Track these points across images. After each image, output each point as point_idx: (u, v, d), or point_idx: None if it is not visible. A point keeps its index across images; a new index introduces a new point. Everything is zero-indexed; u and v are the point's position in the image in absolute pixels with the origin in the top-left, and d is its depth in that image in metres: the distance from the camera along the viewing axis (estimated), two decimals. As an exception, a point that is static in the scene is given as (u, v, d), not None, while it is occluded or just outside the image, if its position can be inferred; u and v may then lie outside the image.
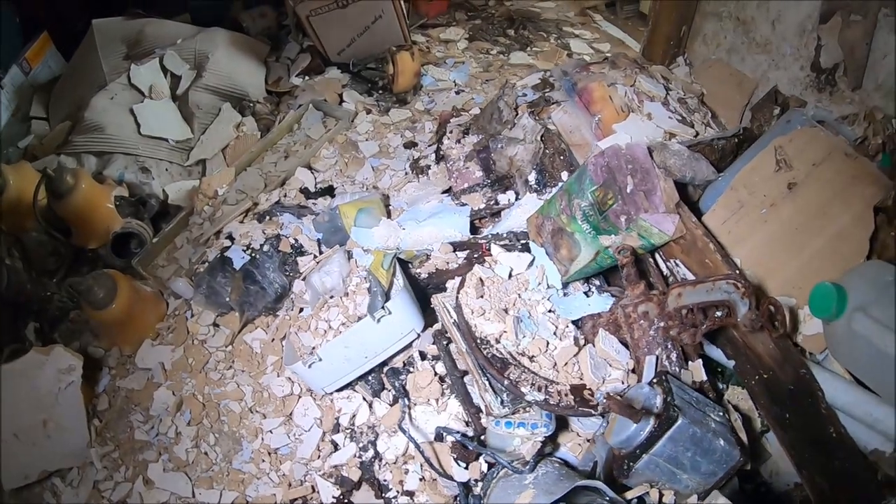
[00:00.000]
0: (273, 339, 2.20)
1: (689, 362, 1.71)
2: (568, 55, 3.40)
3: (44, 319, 2.49)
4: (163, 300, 2.44)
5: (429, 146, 2.70)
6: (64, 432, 2.13)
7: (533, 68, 3.21)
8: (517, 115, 2.50)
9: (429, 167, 2.58)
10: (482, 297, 1.89)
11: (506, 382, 1.65)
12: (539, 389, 1.64)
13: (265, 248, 2.31)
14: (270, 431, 2.01)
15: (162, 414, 2.15)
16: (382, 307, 1.91)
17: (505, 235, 2.21)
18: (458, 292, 1.89)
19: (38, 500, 2.09)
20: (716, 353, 1.80)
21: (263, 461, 1.96)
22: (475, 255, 2.20)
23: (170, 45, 3.08)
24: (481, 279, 1.93)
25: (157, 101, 2.81)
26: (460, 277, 2.01)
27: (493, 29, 3.60)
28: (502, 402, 1.70)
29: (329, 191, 2.58)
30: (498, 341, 1.78)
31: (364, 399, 1.99)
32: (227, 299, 2.26)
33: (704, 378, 1.68)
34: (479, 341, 1.76)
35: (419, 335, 2.00)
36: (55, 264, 2.61)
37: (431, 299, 2.01)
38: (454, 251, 2.23)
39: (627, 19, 3.89)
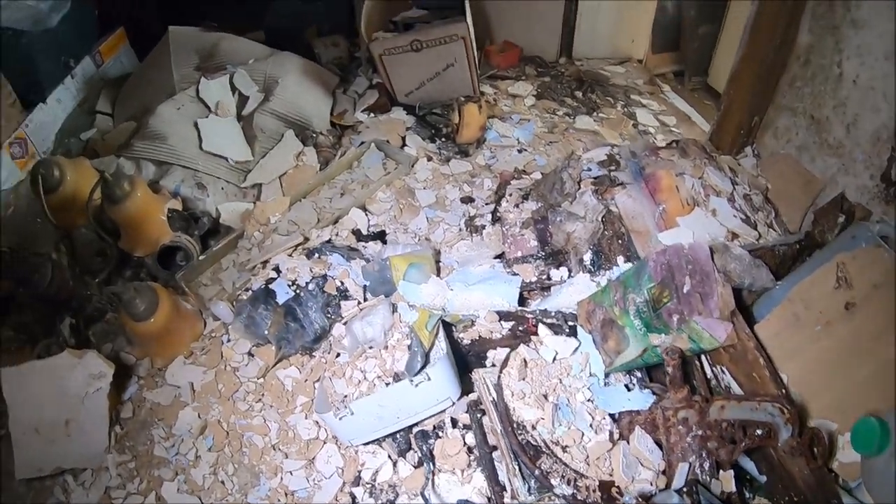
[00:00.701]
0: (306, 380, 2.34)
1: (721, 471, 1.80)
2: (633, 125, 3.56)
3: (80, 316, 2.65)
4: (201, 319, 2.59)
5: (486, 205, 2.86)
6: (84, 434, 2.28)
7: (598, 136, 3.36)
8: (580, 189, 2.65)
9: (483, 227, 2.74)
10: (524, 379, 2.02)
11: (536, 472, 1.78)
12: (568, 483, 1.76)
13: (310, 286, 2.47)
14: (290, 472, 2.13)
15: (184, 434, 2.29)
16: (422, 369, 2.05)
17: (553, 314, 2.33)
18: (500, 371, 2.03)
19: (48, 494, 2.24)
20: (749, 464, 1.89)
21: (279, 501, 2.08)
22: (520, 329, 2.33)
23: (241, 63, 3.27)
24: (525, 360, 2.07)
25: (222, 119, 3.00)
26: (503, 350, 2.16)
27: (561, 88, 3.76)
28: (529, 489, 1.83)
29: (381, 236, 2.73)
30: (534, 427, 1.91)
31: (389, 457, 2.10)
32: (266, 332, 2.41)
33: (734, 489, 1.78)
34: (515, 426, 1.90)
35: (454, 403, 2.12)
36: (100, 265, 2.77)
37: (472, 373, 2.14)
38: (499, 320, 2.35)
39: (694, 90, 4.05)
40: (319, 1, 4.11)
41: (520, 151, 3.19)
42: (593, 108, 3.62)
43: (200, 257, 2.72)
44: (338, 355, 2.33)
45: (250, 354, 2.46)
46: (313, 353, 2.39)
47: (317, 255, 2.58)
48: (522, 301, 2.45)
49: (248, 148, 2.96)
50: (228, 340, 2.52)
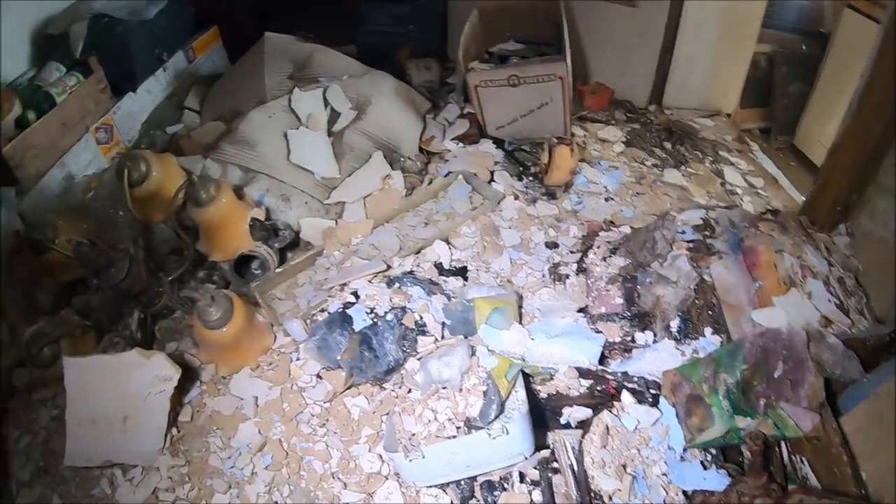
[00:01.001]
0: (374, 412, 2.36)
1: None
2: (721, 184, 3.56)
3: (148, 311, 2.74)
4: (271, 333, 2.64)
5: (571, 252, 2.88)
6: (140, 433, 2.34)
7: (685, 192, 3.37)
8: (672, 251, 2.66)
9: (568, 276, 2.75)
10: (605, 447, 2.04)
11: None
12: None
13: (388, 316, 2.49)
14: (347, 504, 2.14)
15: (243, 448, 2.32)
16: (495, 419, 2.07)
17: (636, 380, 2.34)
18: (582, 437, 2.04)
19: (94, 484, 2.32)
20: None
21: (332, 531, 2.09)
22: (598, 389, 2.35)
23: (335, 77, 3.34)
24: (608, 427, 2.09)
25: (312, 132, 3.05)
26: (580, 408, 2.18)
27: (650, 137, 3.78)
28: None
29: (462, 272, 2.76)
30: (610, 499, 1.93)
31: (451, 503, 2.13)
32: (339, 357, 2.44)
33: (804, 583, 1.79)
34: (592, 495, 1.91)
35: (526, 458, 2.13)
36: (174, 263, 2.84)
37: (551, 433, 2.16)
38: (578, 377, 2.38)
39: (779, 150, 4.04)
40: (413, 23, 4.14)
41: (607, 200, 3.21)
42: (681, 162, 3.62)
43: (277, 270, 2.78)
44: (409, 391, 2.34)
45: (319, 377, 2.48)
46: (384, 385, 2.42)
47: (397, 284, 2.61)
48: (602, 359, 2.45)
49: (335, 164, 3.01)
50: (298, 359, 2.55)
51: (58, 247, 2.74)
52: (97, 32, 3.43)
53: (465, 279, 2.74)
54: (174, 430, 2.42)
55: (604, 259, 2.79)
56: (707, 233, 2.75)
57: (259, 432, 2.36)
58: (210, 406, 2.50)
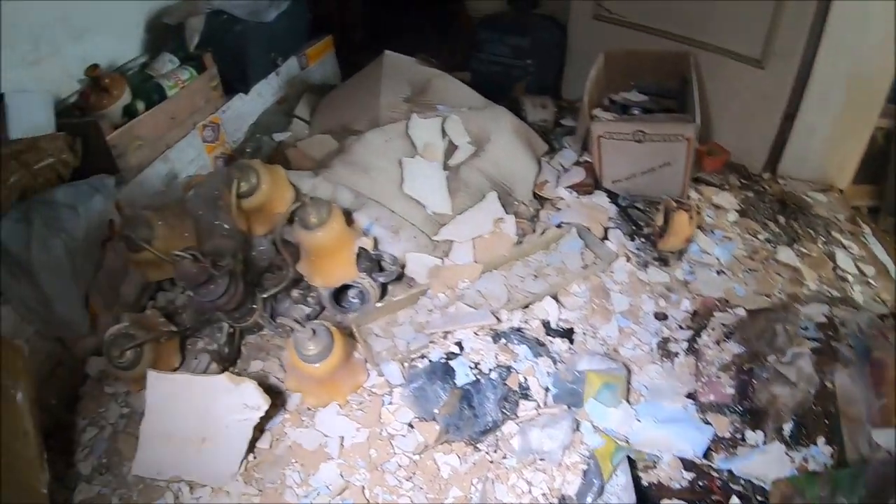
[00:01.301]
0: (466, 474, 2.33)
1: None
2: (833, 268, 3.50)
3: (238, 325, 2.77)
4: (365, 370, 2.62)
5: (681, 328, 2.84)
6: (216, 456, 2.34)
7: (797, 274, 3.31)
8: (793, 347, 2.62)
9: (677, 355, 2.71)
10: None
11: None
12: None
13: (493, 374, 2.48)
14: (429, 568, 2.11)
15: (322, 488, 2.32)
16: (593, 503, 2.06)
17: (742, 482, 2.31)
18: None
19: (158, 495, 2.34)
20: None
21: None
22: (700, 484, 2.31)
23: (453, 106, 3.32)
24: (710, 531, 2.06)
25: (428, 163, 3.04)
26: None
27: (763, 208, 3.71)
28: None
29: (569, 334, 2.73)
30: None
31: (537, 584, 2.12)
32: (436, 410, 2.42)
33: None
34: None
35: (620, 548, 2.12)
36: (271, 281, 2.85)
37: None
38: (682, 468, 2.35)
39: (886, 233, 3.96)
40: (531, 57, 4.12)
41: (718, 273, 3.16)
42: (794, 239, 3.56)
43: (378, 304, 2.77)
44: (504, 457, 2.33)
45: (411, 426, 2.45)
46: (478, 447, 2.39)
47: (504, 340, 2.59)
48: (707, 452, 2.42)
49: (448, 200, 2.99)
50: (390, 403, 2.54)
51: (153, 248, 2.76)
52: (214, 28, 3.47)
53: (571, 342, 2.72)
54: (250, 456, 2.43)
55: (717, 343, 2.74)
56: (831, 333, 2.69)
57: (341, 475, 2.35)
58: (291, 437, 2.50)
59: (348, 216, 2.83)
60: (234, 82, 3.68)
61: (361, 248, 2.77)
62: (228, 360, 2.79)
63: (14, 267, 2.66)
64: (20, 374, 2.12)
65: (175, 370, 2.77)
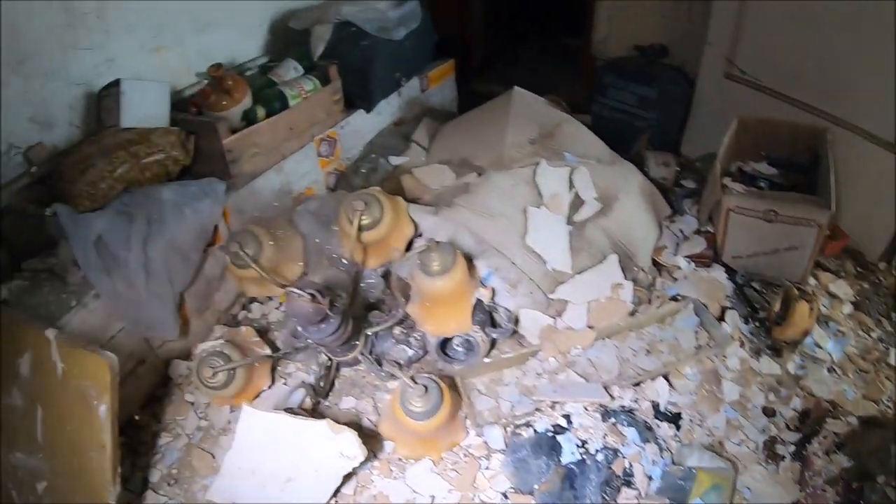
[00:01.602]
0: (555, 556, 2.32)
1: None
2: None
3: (335, 357, 2.76)
4: (465, 429, 2.60)
5: (788, 429, 2.79)
6: (299, 497, 2.33)
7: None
8: (907, 471, 2.57)
9: (783, 458, 2.66)
10: None
11: None
12: None
13: (599, 456, 2.44)
14: None
15: (402, 546, 2.24)
16: None
17: None
18: None
19: None
20: None
21: None
22: None
23: (582, 156, 3.27)
24: None
25: (553, 215, 2.99)
26: None
27: (878, 302, 3.64)
28: None
29: (676, 419, 2.68)
30: None
31: None
32: (536, 486, 2.38)
33: None
34: None
35: None
36: (378, 319, 2.80)
37: None
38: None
39: None
40: (655, 109, 4.03)
41: (830, 371, 3.09)
42: (907, 341, 3.50)
43: (486, 360, 2.74)
44: (599, 545, 2.30)
45: (505, 496, 2.42)
46: (573, 531, 2.36)
47: (613, 420, 2.55)
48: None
49: (569, 258, 2.93)
50: (487, 468, 2.50)
51: (260, 268, 2.74)
52: (341, 40, 3.46)
53: (678, 428, 2.67)
54: (332, 500, 2.41)
55: (827, 453, 2.70)
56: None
57: (425, 537, 2.27)
58: (378, 487, 2.47)
59: (468, 261, 2.79)
60: (355, 98, 3.65)
61: (478, 299, 2.74)
62: (321, 394, 2.77)
63: (110, 261, 2.65)
64: (107, 388, 2.08)
65: (261, 393, 2.83)
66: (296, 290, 2.34)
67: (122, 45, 3.12)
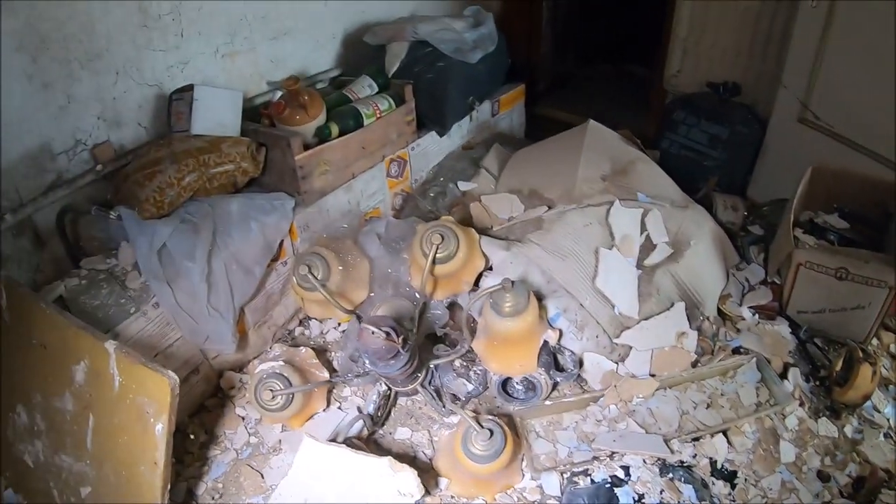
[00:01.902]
0: None
1: None
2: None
3: (394, 387, 2.78)
4: (520, 471, 2.61)
5: (842, 496, 2.82)
6: None
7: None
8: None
9: (836, 530, 2.71)
10: None
11: None
12: None
13: (655, 510, 2.49)
14: None
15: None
16: None
17: None
18: None
19: None
20: None
21: None
22: None
23: (654, 197, 3.29)
24: None
25: (623, 258, 3.02)
26: None
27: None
28: None
29: (731, 477, 2.70)
30: None
31: None
32: (591, 538, 2.45)
33: None
34: None
35: None
36: (443, 352, 2.85)
37: None
38: None
39: None
40: (726, 150, 4.02)
41: (886, 437, 3.13)
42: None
43: (547, 402, 2.79)
44: None
45: (551, 538, 2.45)
46: (625, 587, 2.39)
47: (671, 475, 2.58)
48: None
49: (637, 303, 2.96)
50: (541, 511, 2.53)
51: (328, 293, 2.78)
52: (416, 59, 3.48)
53: (733, 487, 2.71)
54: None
55: (880, 527, 2.73)
56: None
57: (476, 579, 2.28)
58: (429, 525, 2.44)
59: (539, 300, 2.82)
60: (427, 119, 3.68)
61: (544, 341, 2.78)
62: (377, 422, 2.81)
63: (171, 271, 2.68)
64: (165, 407, 2.08)
65: (315, 415, 2.87)
66: (371, 326, 2.37)
67: (195, 49, 3.15)
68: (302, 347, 2.98)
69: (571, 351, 2.84)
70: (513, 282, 2.56)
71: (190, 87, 2.97)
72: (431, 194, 3.39)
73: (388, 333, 2.34)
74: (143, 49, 2.98)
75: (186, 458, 2.80)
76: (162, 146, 2.88)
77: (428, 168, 3.61)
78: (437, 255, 2.66)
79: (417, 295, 2.75)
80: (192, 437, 2.83)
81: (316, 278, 2.71)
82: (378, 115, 3.15)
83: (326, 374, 2.78)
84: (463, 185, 3.41)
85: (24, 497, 2.49)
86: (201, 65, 3.19)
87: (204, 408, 3.01)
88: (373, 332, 2.32)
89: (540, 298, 2.81)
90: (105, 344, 2.13)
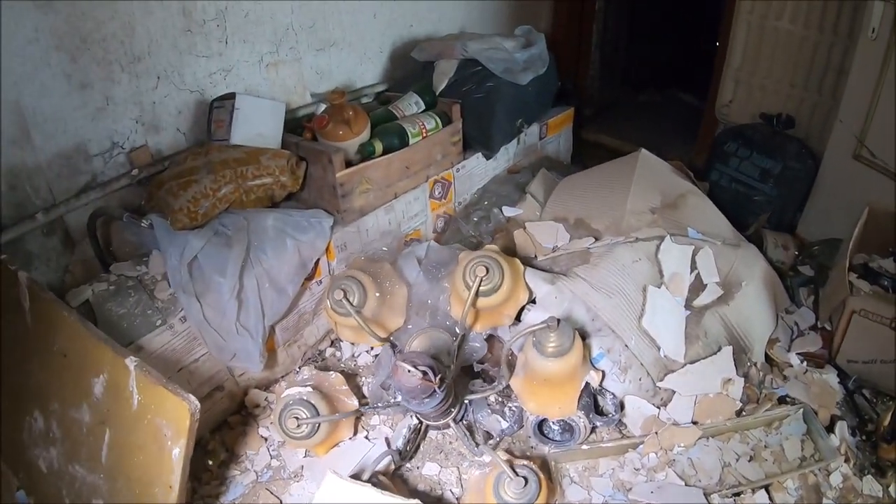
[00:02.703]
0: None
1: None
2: None
3: (426, 421, 2.61)
4: (557, 517, 2.45)
5: (877, 569, 2.60)
6: None
7: None
8: None
9: None
10: None
11: None
12: None
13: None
14: None
15: None
16: None
17: None
18: None
19: None
20: None
21: None
22: None
23: (703, 232, 3.08)
24: None
25: (671, 297, 2.81)
26: None
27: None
28: None
29: (771, 536, 2.52)
30: None
31: None
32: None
33: None
34: None
35: None
36: (479, 388, 2.67)
37: None
38: None
39: None
40: (778, 185, 3.75)
41: (921, 492, 2.90)
42: None
43: (584, 446, 2.58)
44: None
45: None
46: None
47: (710, 532, 2.39)
48: None
49: (683, 346, 2.75)
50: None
51: (363, 320, 2.59)
52: (465, 78, 3.30)
53: (778, 554, 2.50)
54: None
55: None
56: None
57: None
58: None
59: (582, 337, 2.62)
60: (473, 140, 3.48)
61: (586, 383, 2.57)
62: (405, 457, 2.62)
63: (201, 285, 2.52)
64: (184, 432, 1.94)
65: (341, 442, 2.70)
66: (407, 365, 2.17)
67: (239, 57, 3.03)
68: (332, 372, 2.81)
69: (613, 394, 2.62)
70: (558, 320, 2.33)
71: (232, 96, 2.82)
72: (475, 218, 3.21)
73: (424, 373, 2.11)
74: (185, 54, 2.85)
75: (204, 476, 2.65)
76: (199, 155, 2.72)
77: (472, 191, 3.43)
78: (481, 289, 2.47)
79: (457, 328, 2.49)
80: (209, 461, 2.67)
81: (351, 304, 2.51)
82: (424, 134, 2.96)
83: (355, 402, 2.61)
84: (508, 211, 3.22)
85: (36, 500, 2.38)
86: (244, 73, 3.03)
87: (226, 424, 2.84)
88: (409, 371, 2.10)
89: (584, 337, 2.59)
90: (126, 360, 1.99)
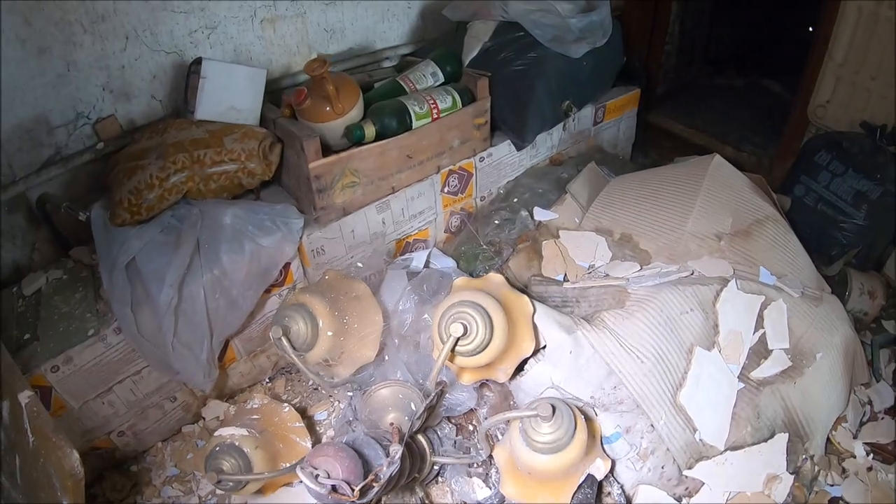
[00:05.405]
0: None
1: None
2: None
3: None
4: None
5: None
6: None
7: None
8: None
9: None
10: None
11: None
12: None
13: None
14: None
15: None
16: None
17: None
18: None
19: None
20: None
21: None
22: None
23: (778, 274, 2.16)
24: None
25: (724, 364, 1.95)
26: None
27: None
28: None
29: None
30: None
31: None
32: None
33: None
34: None
35: None
36: (452, 448, 1.96)
37: None
38: None
39: None
40: (871, 213, 2.60)
41: None
42: None
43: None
44: None
45: None
46: None
47: None
48: None
49: (727, 428, 1.91)
50: None
51: (302, 363, 1.88)
52: (502, 44, 2.46)
53: None
54: None
55: None
56: None
57: None
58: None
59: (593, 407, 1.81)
60: (503, 124, 2.57)
61: (589, 474, 1.75)
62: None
63: (140, 292, 1.90)
64: (69, 491, 1.52)
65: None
66: (313, 468, 1.42)
67: (226, 11, 2.29)
68: (286, 405, 2.03)
69: (622, 485, 1.82)
70: (554, 408, 1.50)
71: (198, 62, 2.13)
72: (496, 220, 2.43)
73: (334, 487, 1.35)
74: (158, 10, 2.17)
75: (146, 491, 2.09)
76: (156, 133, 2.06)
77: (501, 184, 2.61)
78: (461, 348, 1.78)
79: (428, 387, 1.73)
80: (157, 465, 2.18)
81: (290, 345, 1.72)
82: (435, 116, 2.07)
83: (308, 444, 1.91)
84: (539, 214, 2.44)
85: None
86: (233, 31, 2.35)
87: (181, 434, 2.16)
88: (316, 476, 1.34)
89: (595, 411, 1.76)
90: (19, 396, 1.63)
